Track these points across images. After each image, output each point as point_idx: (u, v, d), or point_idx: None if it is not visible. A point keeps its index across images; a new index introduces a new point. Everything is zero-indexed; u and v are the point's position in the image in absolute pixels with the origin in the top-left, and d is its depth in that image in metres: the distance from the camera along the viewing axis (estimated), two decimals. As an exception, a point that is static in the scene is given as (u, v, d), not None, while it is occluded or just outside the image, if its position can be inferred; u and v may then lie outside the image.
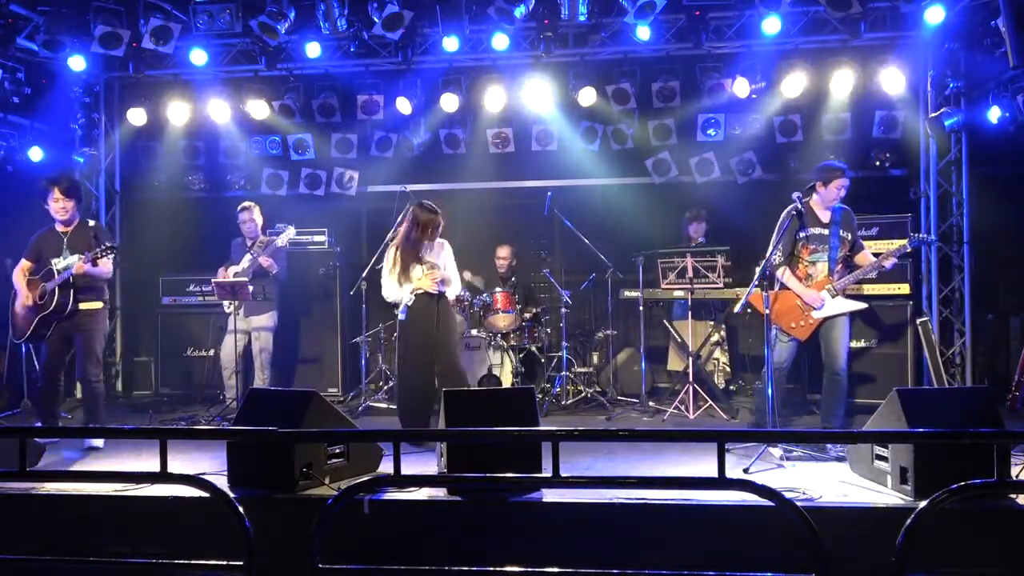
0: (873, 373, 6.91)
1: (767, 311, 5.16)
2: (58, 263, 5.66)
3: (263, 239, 7.22)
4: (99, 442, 5.70)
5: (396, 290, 5.85)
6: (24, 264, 5.79)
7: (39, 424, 5.77)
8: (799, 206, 5.38)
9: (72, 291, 5.62)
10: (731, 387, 7.86)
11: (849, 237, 5.59)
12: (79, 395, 6.52)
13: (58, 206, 5.68)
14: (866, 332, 7.12)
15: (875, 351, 7.10)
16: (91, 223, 5.88)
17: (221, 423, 6.82)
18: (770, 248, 5.39)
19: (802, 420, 6.82)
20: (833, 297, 5.48)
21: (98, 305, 5.78)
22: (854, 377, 6.80)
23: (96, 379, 5.76)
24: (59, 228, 5.79)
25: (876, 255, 5.65)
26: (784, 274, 5.54)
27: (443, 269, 5.86)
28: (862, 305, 5.68)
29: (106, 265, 5.72)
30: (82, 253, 5.59)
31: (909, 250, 5.80)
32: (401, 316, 5.87)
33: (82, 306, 5.68)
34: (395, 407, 7.45)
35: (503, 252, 8.25)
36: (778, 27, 7.08)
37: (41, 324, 5.64)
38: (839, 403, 5.49)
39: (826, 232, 5.53)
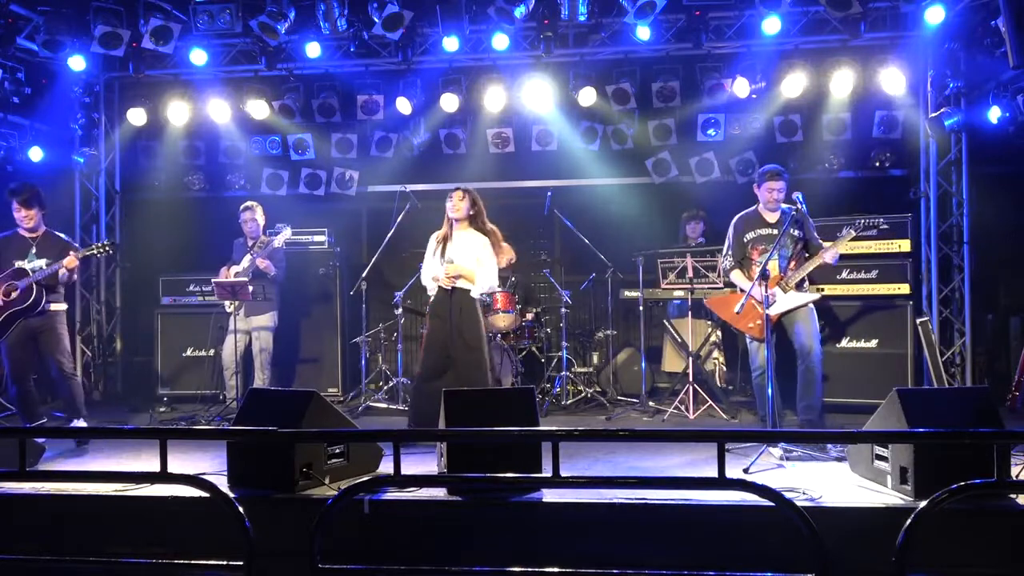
0: (873, 373, 6.90)
1: (766, 312, 5.17)
2: (26, 264, 5.74)
3: (264, 239, 7.22)
4: (83, 423, 5.81)
5: (424, 279, 6.00)
6: None
7: (26, 426, 5.79)
8: (801, 207, 5.38)
9: (44, 291, 5.72)
10: (731, 387, 7.86)
11: (800, 235, 5.63)
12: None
13: (20, 216, 5.81)
14: (866, 332, 7.12)
15: (875, 351, 7.09)
16: (60, 235, 6.01)
17: (221, 423, 6.82)
18: (772, 248, 5.41)
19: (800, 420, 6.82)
20: (785, 292, 5.51)
21: (64, 306, 5.96)
22: (855, 377, 6.82)
23: (73, 374, 5.91)
24: (24, 233, 5.88)
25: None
26: (736, 276, 5.70)
27: (472, 263, 5.78)
28: (815, 296, 5.70)
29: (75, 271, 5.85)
30: (51, 258, 5.73)
31: (849, 240, 5.67)
32: (434, 286, 5.94)
33: (52, 307, 5.81)
34: (395, 407, 7.50)
35: None
36: (778, 27, 7.08)
37: (9, 320, 5.67)
38: (815, 390, 5.50)
39: (774, 232, 5.58)
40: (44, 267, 5.68)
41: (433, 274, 5.89)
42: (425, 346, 5.95)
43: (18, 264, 5.74)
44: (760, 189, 5.69)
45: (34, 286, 5.65)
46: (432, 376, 5.78)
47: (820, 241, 5.75)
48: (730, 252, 5.75)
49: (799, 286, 5.59)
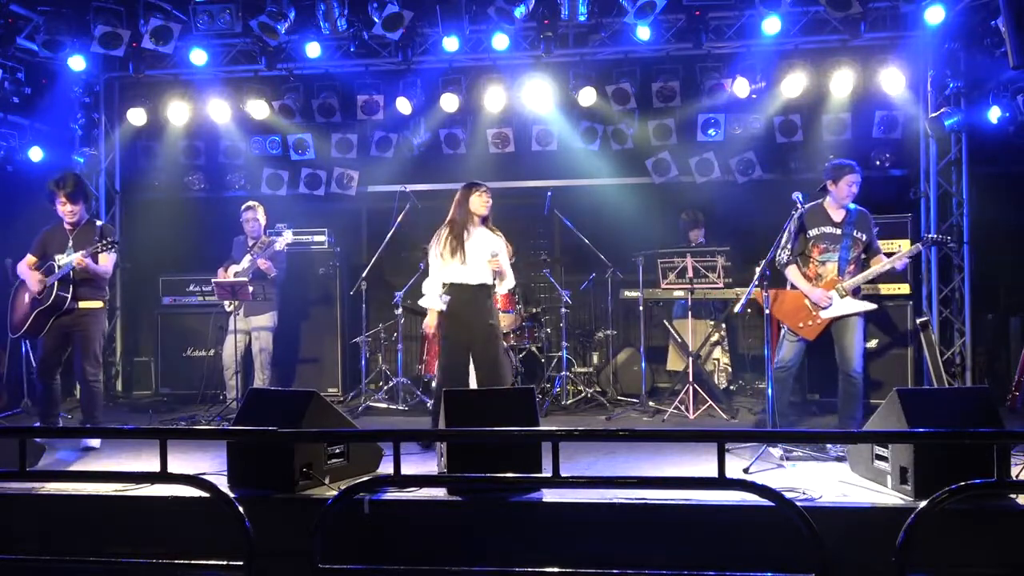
0: (873, 373, 6.89)
1: (767, 311, 5.15)
2: (61, 259, 5.66)
3: (265, 239, 7.21)
4: (95, 442, 5.70)
5: (433, 288, 5.69)
6: (28, 259, 5.78)
7: (39, 424, 5.77)
8: (800, 206, 5.38)
9: (71, 287, 5.61)
10: (731, 387, 7.86)
11: (864, 238, 5.53)
12: (78, 395, 6.48)
13: (66, 210, 5.67)
14: (866, 332, 7.11)
15: (875, 351, 7.09)
16: (98, 222, 5.86)
17: (221, 423, 6.82)
18: (773, 247, 5.38)
19: (802, 420, 6.82)
20: (842, 297, 5.42)
21: (98, 304, 5.77)
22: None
23: (95, 379, 5.75)
24: (67, 225, 5.77)
25: (888, 255, 5.58)
26: (792, 273, 5.51)
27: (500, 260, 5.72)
28: (871, 306, 5.59)
29: (106, 262, 5.74)
30: (87, 251, 5.59)
31: (920, 251, 5.71)
32: (442, 306, 5.68)
33: (81, 304, 5.66)
34: (395, 407, 7.50)
35: None
36: (778, 27, 7.08)
37: (39, 318, 5.62)
38: (855, 405, 5.43)
39: (838, 232, 5.47)
40: (77, 258, 5.55)
41: (450, 276, 5.62)
42: (447, 347, 5.73)
43: (57, 258, 5.66)
44: (838, 184, 5.47)
45: (55, 285, 5.55)
46: (460, 375, 5.73)
47: (880, 246, 5.67)
48: (789, 246, 5.45)
49: (855, 292, 5.48)
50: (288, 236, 7.08)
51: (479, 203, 5.74)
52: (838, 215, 5.53)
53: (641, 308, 7.48)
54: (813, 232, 5.51)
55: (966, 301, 7.56)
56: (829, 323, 5.47)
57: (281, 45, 7.63)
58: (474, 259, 5.64)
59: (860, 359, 5.44)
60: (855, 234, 5.49)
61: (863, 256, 5.59)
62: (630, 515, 3.93)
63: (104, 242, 5.64)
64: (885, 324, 7.08)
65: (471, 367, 5.87)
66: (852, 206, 5.52)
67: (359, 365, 8.05)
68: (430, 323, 5.84)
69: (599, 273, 7.87)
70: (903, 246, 7.17)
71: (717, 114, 8.09)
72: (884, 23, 7.29)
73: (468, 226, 5.71)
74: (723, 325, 7.70)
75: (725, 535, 3.86)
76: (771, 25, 7.06)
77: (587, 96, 7.88)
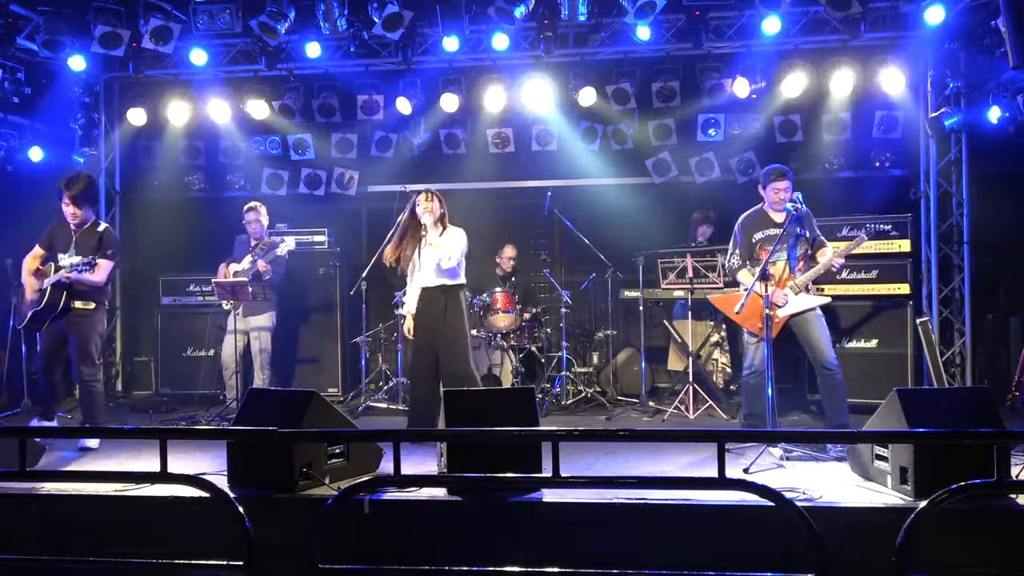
0: (873, 373, 6.90)
1: (768, 311, 5.16)
2: (63, 259, 5.66)
3: (266, 240, 7.20)
4: (94, 443, 5.70)
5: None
6: (36, 251, 5.78)
7: (36, 421, 5.77)
8: (801, 206, 5.38)
9: (66, 291, 5.59)
10: (731, 387, 7.85)
11: (808, 235, 5.61)
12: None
13: (68, 211, 5.68)
14: (866, 332, 7.12)
15: (875, 351, 7.09)
16: (100, 227, 5.78)
17: (221, 423, 6.82)
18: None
19: (802, 420, 6.83)
20: (796, 294, 5.50)
21: (92, 305, 5.71)
22: (855, 377, 6.81)
23: (92, 379, 5.72)
24: (71, 223, 5.77)
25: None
26: (744, 276, 5.63)
27: (445, 252, 5.83)
28: (826, 299, 5.70)
29: (103, 270, 5.64)
30: (85, 255, 5.59)
31: (857, 248, 5.69)
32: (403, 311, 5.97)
33: (76, 305, 5.64)
34: (395, 407, 7.50)
35: (510, 252, 8.28)
36: (778, 27, 7.08)
37: (35, 317, 5.63)
38: (839, 396, 5.45)
39: (783, 232, 5.49)
40: (77, 264, 5.52)
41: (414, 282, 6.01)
42: (412, 349, 5.95)
43: (60, 257, 5.65)
44: (766, 190, 5.65)
45: (49, 289, 5.54)
46: (422, 376, 5.83)
47: (823, 239, 5.74)
48: (737, 251, 5.70)
49: (807, 288, 5.55)
50: (291, 243, 7.05)
51: (420, 211, 5.92)
52: (779, 216, 5.62)
53: (641, 308, 7.48)
54: (757, 236, 5.64)
55: (966, 301, 7.55)
56: (787, 321, 5.51)
57: (281, 45, 7.63)
58: (426, 263, 5.89)
59: (831, 350, 5.49)
60: (798, 231, 5.56)
61: (809, 253, 5.66)
62: (630, 515, 3.93)
63: (97, 255, 5.60)
64: (885, 324, 7.09)
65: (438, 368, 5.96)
66: (790, 206, 5.50)
67: (359, 365, 8.05)
68: (408, 326, 6.09)
69: (599, 273, 7.87)
70: (903, 246, 7.19)
71: (717, 114, 8.09)
72: (884, 23, 7.28)
73: (417, 232, 5.95)
74: (723, 325, 7.70)
75: (725, 535, 3.86)
76: (771, 25, 7.05)
77: (587, 96, 7.87)
